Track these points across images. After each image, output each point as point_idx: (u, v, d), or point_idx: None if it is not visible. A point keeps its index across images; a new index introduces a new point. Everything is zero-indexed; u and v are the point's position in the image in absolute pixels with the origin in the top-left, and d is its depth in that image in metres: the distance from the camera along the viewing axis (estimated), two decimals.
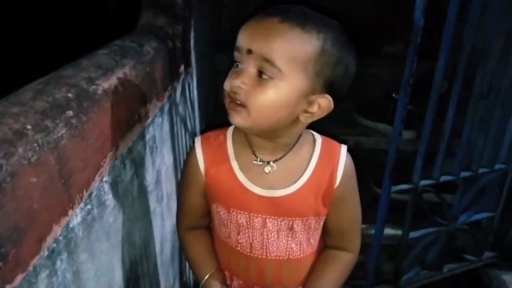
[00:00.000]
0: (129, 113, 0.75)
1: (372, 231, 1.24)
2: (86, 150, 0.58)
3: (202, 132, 1.62)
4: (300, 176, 0.74)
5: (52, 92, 0.57)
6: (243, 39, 0.63)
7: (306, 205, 0.76)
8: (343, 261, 0.81)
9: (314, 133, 0.78)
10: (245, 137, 0.75)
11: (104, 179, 0.66)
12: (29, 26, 2.21)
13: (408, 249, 1.26)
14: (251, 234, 0.77)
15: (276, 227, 0.76)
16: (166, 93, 1.00)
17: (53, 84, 0.60)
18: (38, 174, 0.47)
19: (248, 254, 0.79)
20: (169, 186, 1.10)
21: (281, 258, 0.79)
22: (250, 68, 0.62)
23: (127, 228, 0.79)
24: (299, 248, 0.79)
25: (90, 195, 0.61)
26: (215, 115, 1.80)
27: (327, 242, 0.84)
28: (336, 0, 1.87)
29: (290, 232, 0.77)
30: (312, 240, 0.80)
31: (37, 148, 0.47)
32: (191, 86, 1.34)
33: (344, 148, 0.76)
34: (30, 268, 0.47)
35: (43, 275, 0.50)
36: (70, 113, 0.56)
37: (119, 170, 0.73)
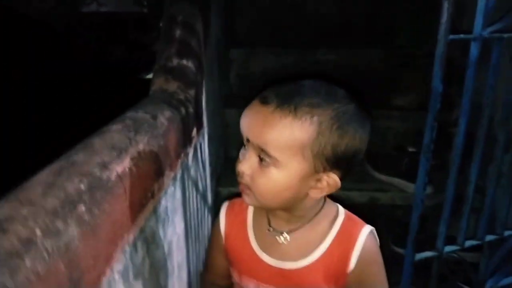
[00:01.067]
0: (143, 193, 0.72)
1: None
2: (98, 245, 0.55)
3: (214, 188, 1.60)
4: (312, 252, 0.73)
5: (64, 186, 0.54)
6: (243, 127, 0.67)
7: (314, 283, 0.72)
8: None
9: (340, 208, 0.75)
10: None
11: (115, 268, 0.62)
12: (30, 26, 2.23)
13: None
14: None
15: None
16: (179, 160, 0.98)
17: (65, 175, 0.57)
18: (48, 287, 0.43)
19: None
20: (180, 255, 1.05)
21: None
22: (251, 154, 0.66)
23: None
24: None
25: None
26: (224, 168, 1.78)
27: None
28: (342, 54, 1.90)
29: None
30: None
31: (46, 257, 0.44)
32: (202, 145, 1.32)
33: (366, 229, 0.72)
34: None
35: None
36: (82, 208, 0.53)
37: (130, 254, 0.69)
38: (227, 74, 1.94)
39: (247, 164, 0.66)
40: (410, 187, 1.57)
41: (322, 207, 0.74)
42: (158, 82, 1.12)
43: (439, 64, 0.87)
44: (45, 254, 0.44)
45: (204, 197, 1.38)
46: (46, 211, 0.48)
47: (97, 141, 0.71)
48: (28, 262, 0.42)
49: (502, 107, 1.05)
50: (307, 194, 0.67)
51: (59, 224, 0.48)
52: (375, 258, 0.73)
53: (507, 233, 1.15)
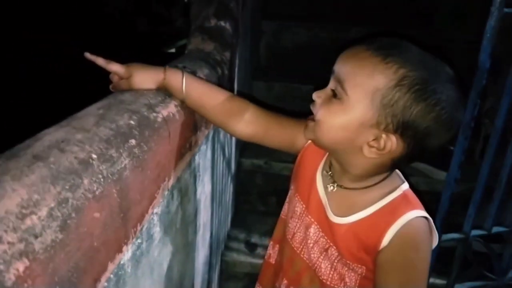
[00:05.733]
0: (183, 142, 0.72)
1: None
2: (144, 181, 0.55)
3: (237, 159, 1.60)
4: (351, 215, 0.69)
5: (115, 119, 0.54)
6: (336, 62, 0.65)
7: (344, 244, 0.70)
8: None
9: (404, 186, 0.68)
10: None
11: (155, 210, 0.63)
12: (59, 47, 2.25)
13: None
14: (298, 226, 0.76)
15: (315, 237, 0.73)
16: None
17: (114, 110, 0.57)
18: (101, 209, 0.44)
19: (289, 240, 0.78)
20: (205, 216, 1.05)
21: (310, 265, 0.75)
22: (329, 87, 0.65)
23: (168, 261, 0.74)
24: (328, 272, 0.73)
25: (141, 228, 0.57)
26: (248, 142, 1.77)
27: None
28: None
29: (325, 252, 0.73)
30: (347, 280, 0.73)
31: (101, 179, 0.44)
32: None
33: (417, 212, 0.65)
34: None
35: None
36: (133, 142, 0.53)
37: (168, 200, 0.69)
38: (257, 46, 1.92)
39: (321, 93, 0.66)
40: (435, 172, 1.55)
41: (383, 180, 0.67)
42: (195, 42, 1.11)
43: (489, 38, 0.84)
44: (100, 177, 0.44)
45: (228, 164, 1.38)
46: (100, 139, 0.48)
47: None
48: (85, 181, 0.42)
49: None
50: (360, 150, 0.63)
51: (113, 152, 0.48)
52: (415, 244, 0.64)
53: None
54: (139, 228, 0.55)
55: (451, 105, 0.60)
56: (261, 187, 1.68)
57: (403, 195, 0.67)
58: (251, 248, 1.45)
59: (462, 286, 1.15)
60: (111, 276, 0.49)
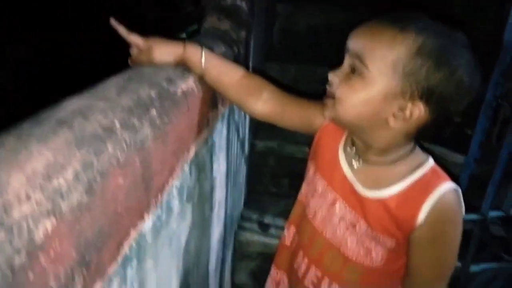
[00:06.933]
0: (201, 117, 0.72)
1: None
2: (165, 152, 0.55)
3: (251, 140, 1.60)
4: (383, 189, 0.68)
5: (136, 89, 0.54)
6: (349, 39, 0.64)
7: (375, 218, 0.69)
8: None
9: (430, 160, 0.68)
10: None
11: (175, 183, 0.63)
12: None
13: (466, 282, 1.17)
14: (320, 204, 0.75)
15: (341, 213, 0.73)
16: None
17: (135, 81, 0.57)
18: (125, 176, 0.44)
19: (310, 220, 0.77)
20: (220, 193, 1.06)
21: (332, 243, 0.75)
22: (346, 65, 0.64)
23: (186, 235, 0.75)
24: (354, 247, 0.73)
25: (162, 199, 0.58)
26: (261, 124, 1.77)
27: (405, 285, 0.74)
28: None
29: (352, 227, 0.72)
30: (374, 254, 0.72)
31: (125, 147, 0.44)
32: None
33: (448, 184, 0.65)
34: (107, 276, 0.44)
35: (115, 283, 0.47)
36: (154, 112, 0.53)
37: (186, 174, 0.69)
38: (271, 28, 1.90)
39: (338, 72, 0.64)
40: (451, 155, 1.53)
41: (407, 155, 0.67)
42: (211, 21, 1.10)
43: None
44: (124, 144, 0.44)
45: (242, 144, 1.38)
46: (123, 108, 0.48)
47: None
48: (110, 147, 0.42)
49: None
50: (386, 122, 0.62)
51: (135, 121, 0.48)
52: (451, 217, 0.65)
53: None
54: (159, 198, 0.56)
55: (471, 69, 0.60)
56: (274, 169, 1.68)
57: (433, 170, 0.67)
58: (264, 228, 1.46)
59: (477, 267, 1.15)
60: (133, 243, 0.50)
